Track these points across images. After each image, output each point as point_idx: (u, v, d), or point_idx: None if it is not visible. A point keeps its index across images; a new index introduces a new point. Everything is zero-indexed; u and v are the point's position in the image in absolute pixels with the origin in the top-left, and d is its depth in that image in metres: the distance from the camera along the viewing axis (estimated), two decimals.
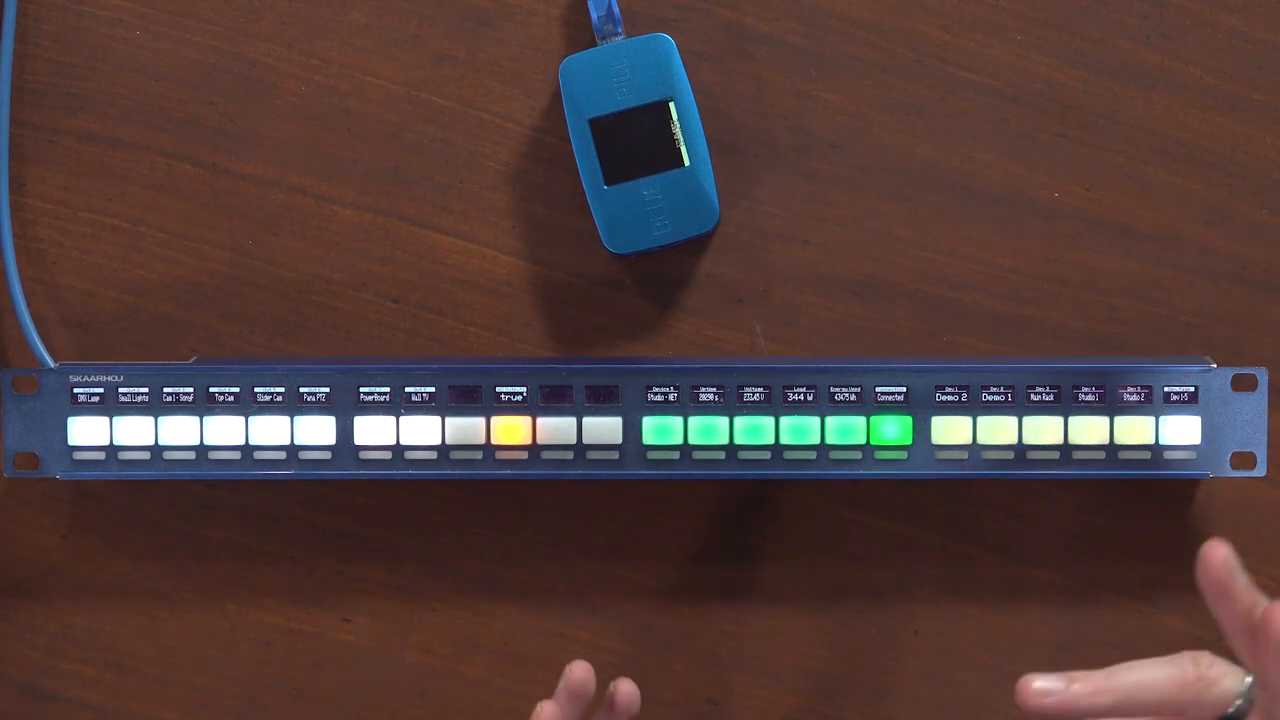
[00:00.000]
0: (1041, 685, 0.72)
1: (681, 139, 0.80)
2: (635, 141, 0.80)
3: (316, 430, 0.80)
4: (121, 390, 0.80)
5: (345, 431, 0.80)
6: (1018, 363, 0.80)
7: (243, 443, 0.80)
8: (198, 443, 0.80)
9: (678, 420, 0.79)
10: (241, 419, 0.80)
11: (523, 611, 0.84)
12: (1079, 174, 0.82)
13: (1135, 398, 0.79)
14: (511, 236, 0.83)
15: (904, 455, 0.79)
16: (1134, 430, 0.79)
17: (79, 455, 0.80)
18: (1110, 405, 0.79)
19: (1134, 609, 0.83)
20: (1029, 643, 0.83)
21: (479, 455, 0.80)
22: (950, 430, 0.79)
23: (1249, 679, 0.71)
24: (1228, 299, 0.82)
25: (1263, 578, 0.83)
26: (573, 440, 0.80)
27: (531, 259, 0.83)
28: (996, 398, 0.79)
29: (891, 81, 0.82)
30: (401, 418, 0.80)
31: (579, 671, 0.76)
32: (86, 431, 0.80)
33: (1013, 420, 0.79)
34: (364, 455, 0.80)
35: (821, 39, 0.82)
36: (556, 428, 0.79)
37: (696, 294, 0.83)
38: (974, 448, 0.79)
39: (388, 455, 0.80)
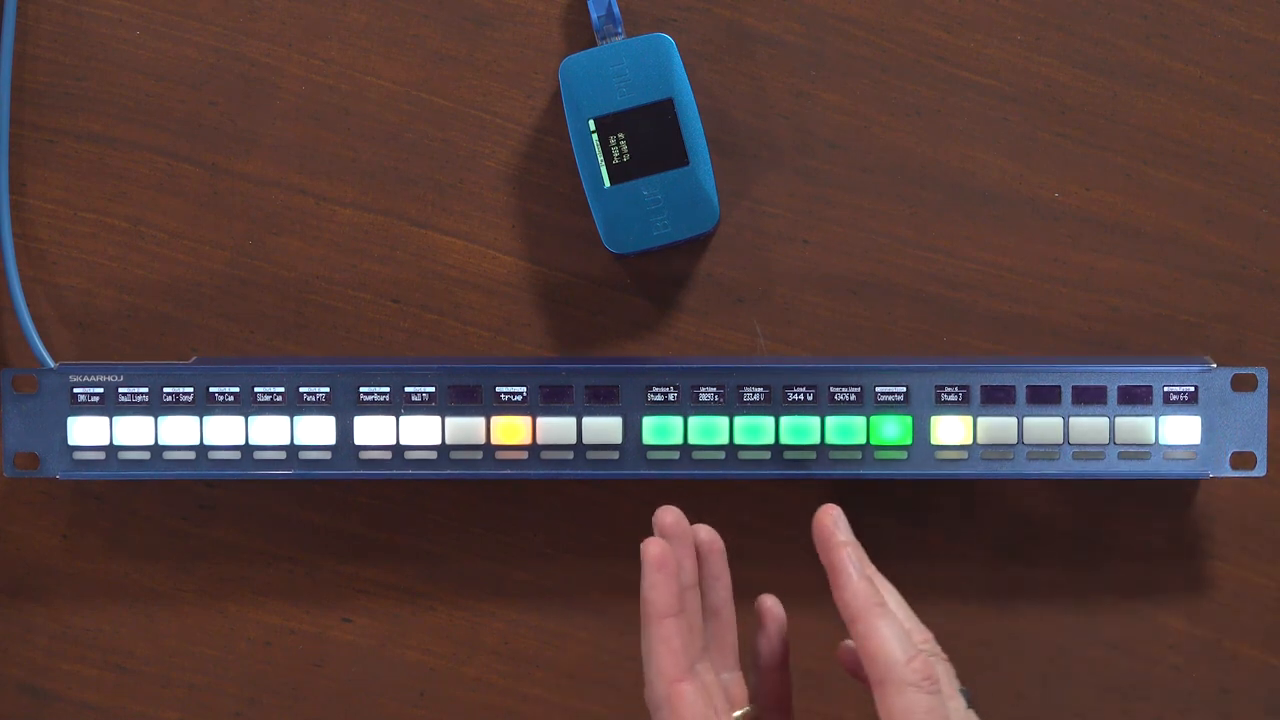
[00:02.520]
0: (842, 533, 0.73)
1: (682, 139, 0.80)
2: (635, 141, 0.80)
3: (316, 430, 0.80)
4: (121, 390, 0.80)
5: (345, 431, 0.80)
6: (1018, 363, 0.80)
7: (243, 443, 0.80)
8: (198, 443, 0.80)
9: (678, 420, 0.79)
10: (241, 419, 0.80)
11: (523, 611, 0.84)
12: (1079, 174, 0.82)
13: (1135, 398, 0.79)
14: (511, 236, 0.83)
15: (904, 455, 0.79)
16: (1134, 430, 0.79)
17: (79, 455, 0.80)
18: (1110, 405, 0.79)
19: (1134, 609, 0.83)
20: (1029, 643, 0.83)
21: (479, 455, 0.80)
22: (950, 430, 0.79)
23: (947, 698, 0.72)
24: (1228, 299, 0.82)
25: (1263, 577, 0.83)
26: (573, 440, 0.79)
27: (531, 259, 0.83)
28: (996, 398, 0.79)
29: (891, 81, 0.82)
30: (401, 418, 0.80)
31: (667, 518, 0.74)
32: (86, 431, 0.80)
33: (1012, 420, 0.79)
34: (364, 455, 0.80)
35: (821, 39, 0.82)
36: (556, 428, 0.79)
37: (696, 294, 0.83)
38: (974, 448, 0.80)
39: (388, 455, 0.80)
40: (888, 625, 0.71)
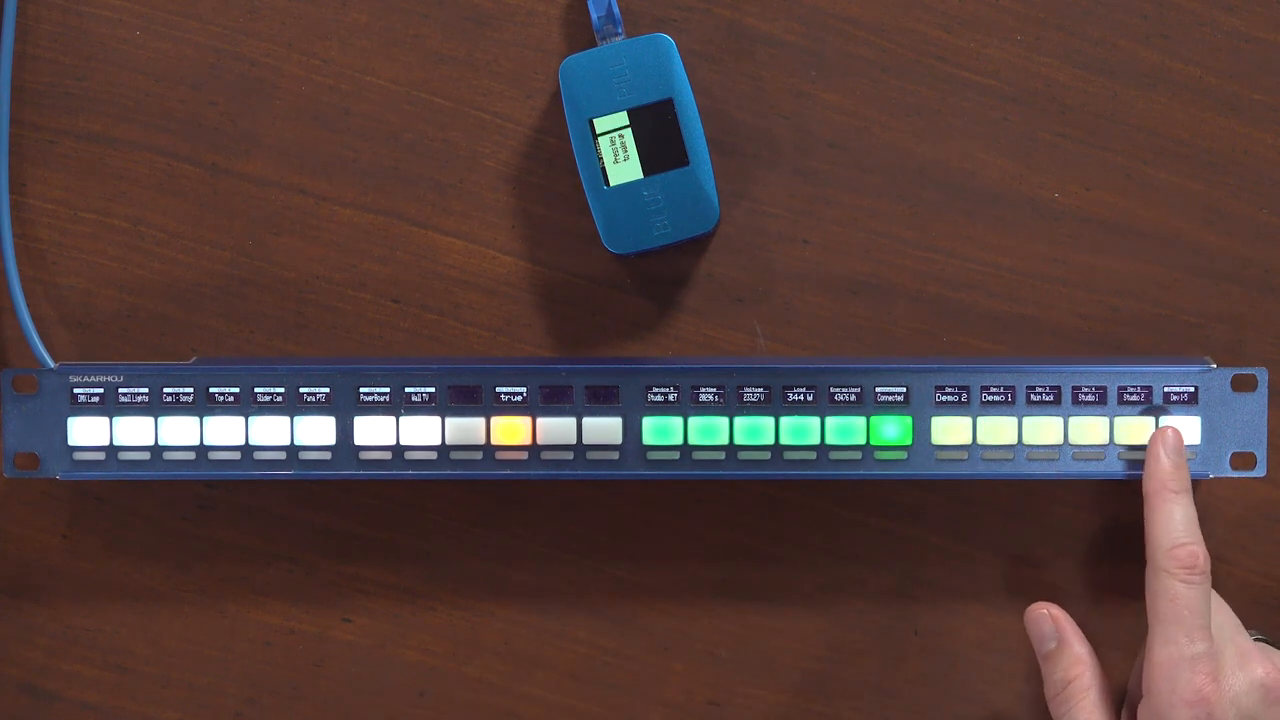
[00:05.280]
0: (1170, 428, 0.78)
1: (682, 139, 0.80)
2: (635, 141, 0.80)
3: (316, 430, 0.80)
4: (121, 390, 0.80)
5: (345, 431, 0.80)
6: (1018, 363, 0.80)
7: (243, 443, 0.80)
8: (198, 443, 0.80)
9: (678, 420, 0.79)
10: (241, 419, 0.80)
11: (523, 611, 0.84)
12: (1079, 174, 0.82)
13: (1135, 398, 0.79)
14: (511, 236, 0.83)
15: (904, 455, 0.79)
16: (1134, 430, 0.79)
17: (79, 455, 0.80)
18: (1110, 405, 0.79)
19: (1134, 609, 0.83)
20: (1029, 643, 0.83)
21: (479, 455, 0.80)
22: (950, 430, 0.79)
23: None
24: (1228, 299, 0.82)
25: (1262, 577, 0.83)
26: (573, 440, 0.79)
27: (531, 259, 0.83)
28: (996, 398, 0.79)
29: (891, 81, 0.82)
30: (401, 418, 0.80)
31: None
32: (86, 431, 0.80)
33: (1013, 420, 0.79)
34: (364, 455, 0.80)
35: (821, 39, 0.82)
36: (556, 428, 0.79)
37: (696, 294, 0.83)
38: (974, 448, 0.80)
39: (388, 455, 0.80)
40: (1165, 510, 0.76)
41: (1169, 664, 0.74)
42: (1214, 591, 0.79)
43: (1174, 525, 0.76)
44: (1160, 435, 0.77)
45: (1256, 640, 0.79)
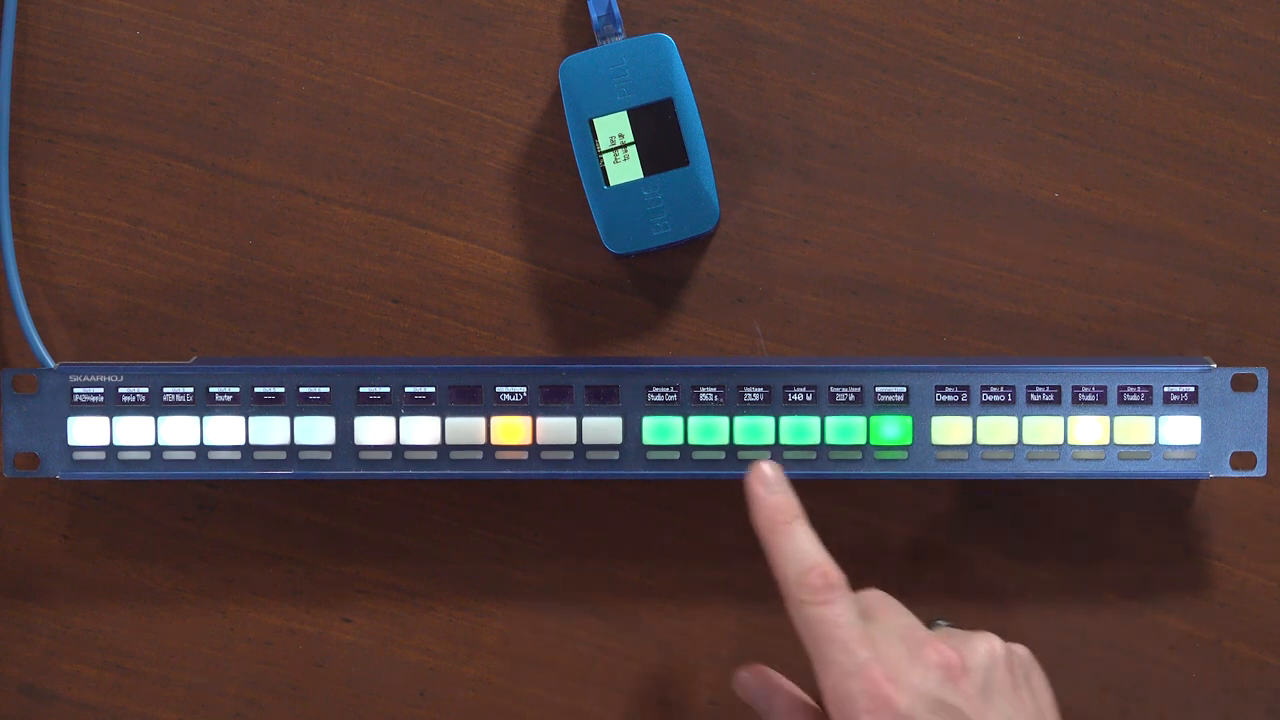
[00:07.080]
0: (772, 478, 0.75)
1: (682, 139, 0.80)
2: (635, 141, 0.80)
3: (316, 430, 0.80)
4: (121, 390, 0.80)
5: (345, 431, 0.80)
6: (1018, 363, 0.80)
7: (243, 443, 0.80)
8: (198, 443, 0.80)
9: (678, 420, 0.79)
10: (241, 419, 0.80)
11: (523, 611, 0.84)
12: (1079, 174, 0.82)
13: (1135, 398, 0.79)
14: (511, 236, 0.83)
15: (904, 455, 0.79)
16: (1134, 430, 0.79)
17: (79, 455, 0.80)
18: (1110, 405, 0.79)
19: (1134, 609, 0.83)
20: (1029, 643, 0.83)
21: (479, 455, 0.80)
22: (950, 430, 0.79)
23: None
24: (1228, 299, 0.82)
25: (1263, 577, 0.83)
26: (573, 440, 0.79)
27: (531, 259, 0.83)
28: (996, 398, 0.79)
29: (891, 81, 0.82)
30: (401, 418, 0.80)
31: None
32: (86, 431, 0.80)
33: (1013, 420, 0.79)
34: (364, 455, 0.80)
35: (821, 39, 0.82)
36: (556, 428, 0.79)
37: (696, 294, 0.83)
38: (974, 448, 0.79)
39: (388, 455, 0.80)
40: (783, 541, 0.73)
41: (838, 685, 0.71)
42: (879, 591, 0.76)
43: (797, 552, 0.73)
44: (756, 473, 0.75)
45: (939, 625, 0.78)
